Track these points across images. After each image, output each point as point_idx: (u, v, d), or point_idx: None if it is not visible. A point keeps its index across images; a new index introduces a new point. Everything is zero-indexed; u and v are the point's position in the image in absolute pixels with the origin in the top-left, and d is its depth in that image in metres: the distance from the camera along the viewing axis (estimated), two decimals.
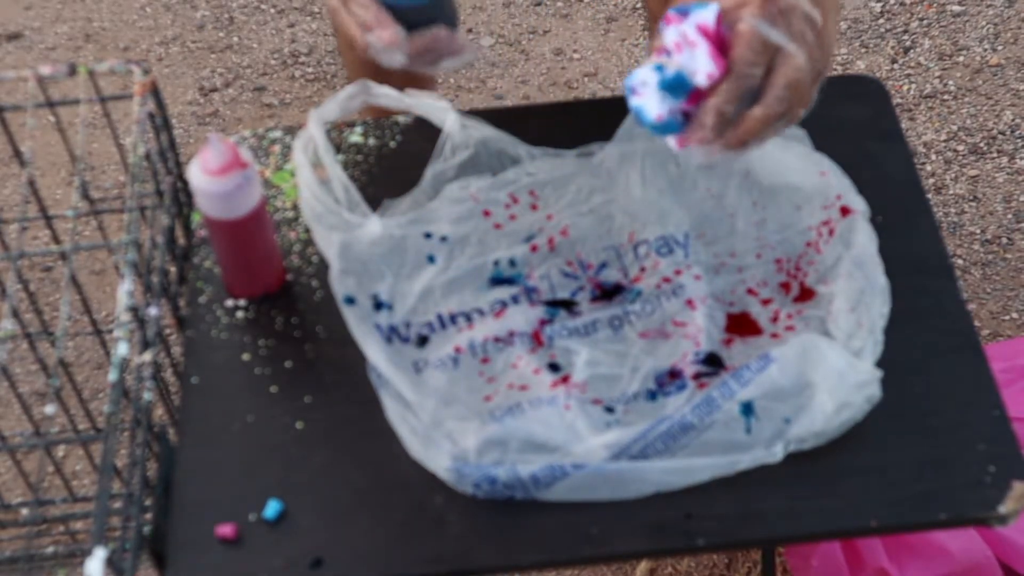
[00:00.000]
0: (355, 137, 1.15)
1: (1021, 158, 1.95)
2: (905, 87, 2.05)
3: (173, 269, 1.04)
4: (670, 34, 0.90)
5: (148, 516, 0.91)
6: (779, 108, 0.90)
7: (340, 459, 0.95)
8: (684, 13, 0.89)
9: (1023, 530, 1.34)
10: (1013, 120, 1.99)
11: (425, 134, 1.13)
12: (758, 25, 0.89)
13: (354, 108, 1.07)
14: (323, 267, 1.05)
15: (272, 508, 0.92)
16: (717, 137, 0.90)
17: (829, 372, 0.93)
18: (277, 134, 1.16)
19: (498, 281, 1.04)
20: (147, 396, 0.90)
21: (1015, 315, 1.78)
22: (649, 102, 0.91)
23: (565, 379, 0.97)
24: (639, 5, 2.20)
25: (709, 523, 0.91)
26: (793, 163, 1.06)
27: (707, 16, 0.89)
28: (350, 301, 1.00)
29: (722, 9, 0.90)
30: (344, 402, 0.98)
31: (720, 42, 0.89)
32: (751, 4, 0.90)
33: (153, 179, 1.01)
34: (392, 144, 1.14)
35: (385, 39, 1.06)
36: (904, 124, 1.97)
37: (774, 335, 1.00)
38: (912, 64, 2.08)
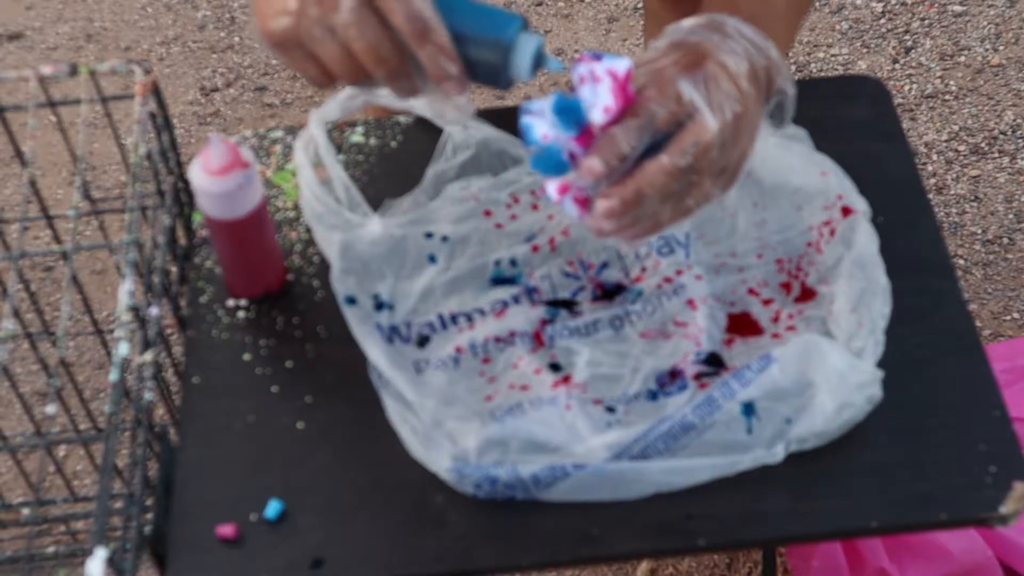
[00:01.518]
0: (356, 137, 1.15)
1: (1022, 158, 1.95)
2: (906, 87, 2.05)
3: (174, 269, 1.04)
4: (579, 70, 0.88)
5: (149, 516, 0.91)
6: (682, 162, 0.86)
7: (341, 459, 0.95)
8: (598, 57, 0.87)
9: None
10: (1014, 120, 1.99)
11: (426, 134, 1.13)
12: (676, 76, 0.88)
13: (355, 108, 1.07)
14: (324, 267, 1.05)
15: (273, 508, 0.92)
16: (605, 173, 0.86)
17: (830, 372, 0.93)
18: (278, 134, 1.16)
19: (499, 281, 1.04)
20: (148, 396, 0.90)
21: (1016, 315, 1.78)
22: (539, 122, 0.88)
23: (566, 379, 0.97)
24: (640, 5, 2.20)
25: (710, 523, 0.91)
26: (794, 163, 1.06)
27: (619, 64, 0.87)
28: (351, 301, 1.00)
29: (644, 68, 0.89)
30: (345, 402, 0.98)
31: (625, 92, 0.87)
32: (674, 64, 0.89)
33: (154, 179, 1.01)
34: (393, 144, 1.14)
35: (455, 88, 0.88)
36: (905, 124, 1.97)
37: (775, 335, 1.00)
38: (913, 64, 2.08)
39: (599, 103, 0.87)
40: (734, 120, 0.88)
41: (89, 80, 0.99)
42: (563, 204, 0.90)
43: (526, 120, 0.88)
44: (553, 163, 0.88)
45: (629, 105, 0.87)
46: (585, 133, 0.88)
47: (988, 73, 2.06)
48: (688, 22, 0.93)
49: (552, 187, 0.90)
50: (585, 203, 0.89)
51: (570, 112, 0.87)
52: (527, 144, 0.89)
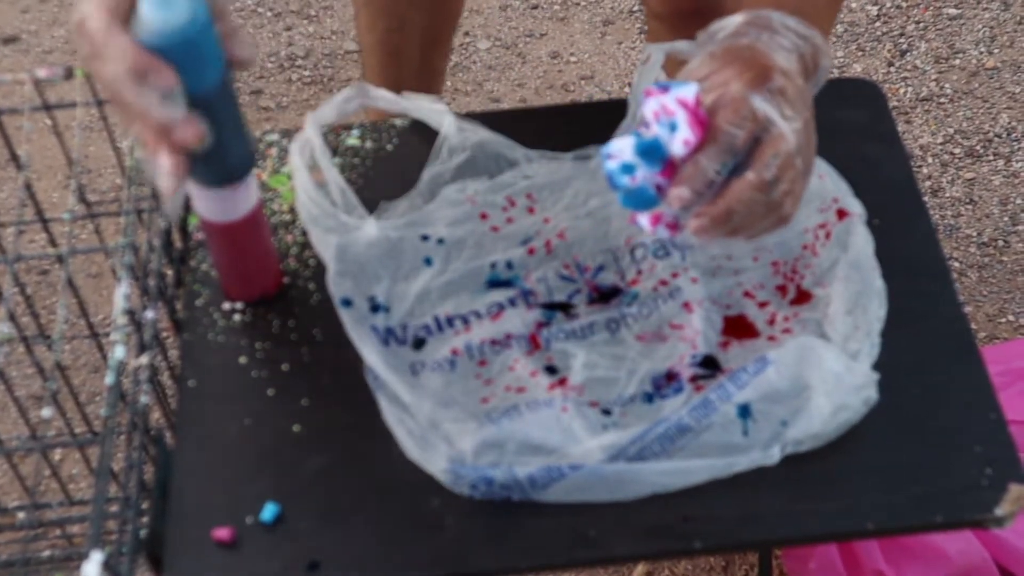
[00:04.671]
0: (352, 140, 1.15)
1: (1017, 161, 1.95)
2: (901, 90, 2.05)
3: (170, 272, 1.04)
4: (649, 105, 0.89)
5: (145, 519, 0.91)
6: (767, 175, 0.88)
7: (337, 462, 0.95)
8: (665, 88, 0.88)
9: (1020, 532, 1.34)
10: (1009, 123, 2.00)
11: (422, 137, 1.13)
12: (746, 94, 0.89)
13: (351, 111, 1.07)
14: (320, 270, 1.05)
15: (269, 511, 0.92)
16: (694, 200, 0.88)
17: (826, 374, 0.93)
18: (274, 137, 1.16)
19: (495, 284, 1.04)
20: (144, 399, 0.90)
21: (1011, 318, 1.78)
22: (623, 166, 0.90)
23: (562, 381, 0.97)
24: (636, 8, 2.20)
25: (706, 525, 0.91)
26: None
27: (687, 91, 0.88)
28: (347, 303, 1.00)
29: (710, 86, 0.90)
30: (341, 405, 0.98)
31: (699, 118, 0.88)
32: (740, 79, 0.90)
33: (150, 182, 1.01)
34: (389, 147, 1.14)
35: (192, 136, 0.83)
36: (901, 127, 1.97)
37: (771, 338, 1.00)
38: (908, 67, 2.09)
39: (679, 136, 0.88)
40: (804, 126, 0.90)
41: (85, 83, 0.99)
42: (656, 232, 0.92)
43: (610, 166, 0.90)
44: (644, 199, 0.90)
45: (704, 129, 0.89)
46: (668, 165, 0.89)
47: (983, 76, 2.06)
48: (734, 20, 0.94)
49: (644, 220, 0.92)
50: (675, 226, 0.92)
51: (654, 152, 0.89)
52: (614, 187, 0.90)
